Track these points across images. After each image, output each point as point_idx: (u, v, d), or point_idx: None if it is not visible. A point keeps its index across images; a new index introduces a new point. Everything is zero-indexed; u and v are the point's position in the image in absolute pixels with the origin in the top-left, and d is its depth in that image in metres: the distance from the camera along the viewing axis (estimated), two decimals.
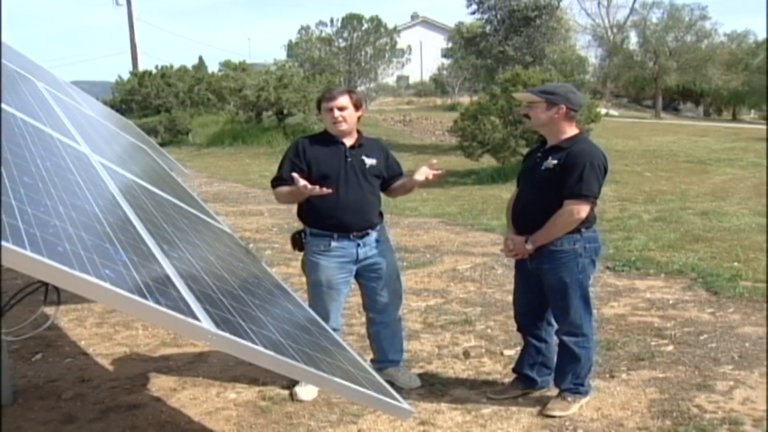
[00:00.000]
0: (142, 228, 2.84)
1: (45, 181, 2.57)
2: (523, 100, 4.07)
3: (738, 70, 41.19)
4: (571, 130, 3.78)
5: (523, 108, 3.97)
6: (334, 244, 4.02)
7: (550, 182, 3.69)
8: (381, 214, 4.21)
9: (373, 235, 4.10)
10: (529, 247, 3.74)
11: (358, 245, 4.05)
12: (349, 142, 4.08)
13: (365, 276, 4.16)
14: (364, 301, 4.31)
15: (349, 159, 4.03)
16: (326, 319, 4.00)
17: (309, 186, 3.77)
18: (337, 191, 3.94)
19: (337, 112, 4.00)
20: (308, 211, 4.08)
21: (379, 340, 4.33)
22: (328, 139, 4.11)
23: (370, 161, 4.09)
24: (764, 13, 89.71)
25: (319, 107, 4.14)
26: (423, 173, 3.98)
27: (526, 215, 3.81)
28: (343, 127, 4.03)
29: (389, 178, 4.23)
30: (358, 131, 4.16)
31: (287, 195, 4.04)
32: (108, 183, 3.46)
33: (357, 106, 4.09)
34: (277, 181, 4.09)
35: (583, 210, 3.63)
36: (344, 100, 4.03)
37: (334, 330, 4.03)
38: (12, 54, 7.07)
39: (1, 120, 2.98)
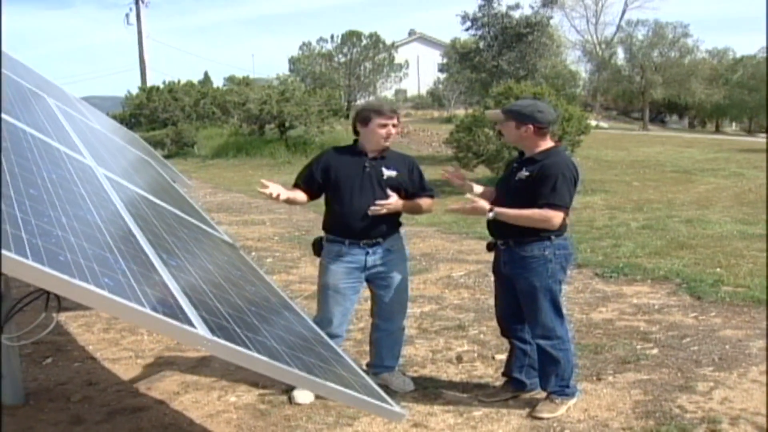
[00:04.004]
0: (143, 238, 2.93)
1: (50, 192, 2.66)
2: (493, 119, 4.22)
3: (719, 84, 42.70)
4: (544, 144, 3.91)
5: (498, 125, 4.11)
6: (345, 250, 4.16)
7: (522, 192, 3.82)
8: (398, 225, 4.31)
9: (385, 244, 4.20)
10: (491, 215, 3.80)
11: (367, 253, 4.17)
12: (372, 153, 4.21)
13: (375, 283, 4.28)
14: (372, 306, 4.42)
15: (367, 169, 4.16)
16: (330, 322, 4.16)
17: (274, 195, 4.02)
18: (351, 199, 4.11)
19: (392, 129, 4.17)
20: (326, 218, 4.26)
21: (379, 346, 4.43)
22: (353, 151, 4.26)
23: (388, 173, 4.19)
24: (742, 33, 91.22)
25: (363, 120, 4.20)
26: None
27: (500, 221, 3.89)
28: (389, 143, 4.21)
29: (412, 193, 4.31)
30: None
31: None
32: (111, 194, 3.56)
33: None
34: (295, 182, 4.30)
35: (556, 217, 3.75)
36: (396, 120, 4.21)
37: (336, 337, 4.15)
38: (26, 72, 7.26)
39: (1, 126, 3.09)
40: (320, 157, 4.31)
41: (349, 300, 4.24)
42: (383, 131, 4.14)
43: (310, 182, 4.25)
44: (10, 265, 1.74)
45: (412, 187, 4.30)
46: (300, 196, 4.24)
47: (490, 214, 3.81)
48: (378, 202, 4.09)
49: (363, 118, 4.20)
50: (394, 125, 4.17)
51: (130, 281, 2.17)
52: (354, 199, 4.12)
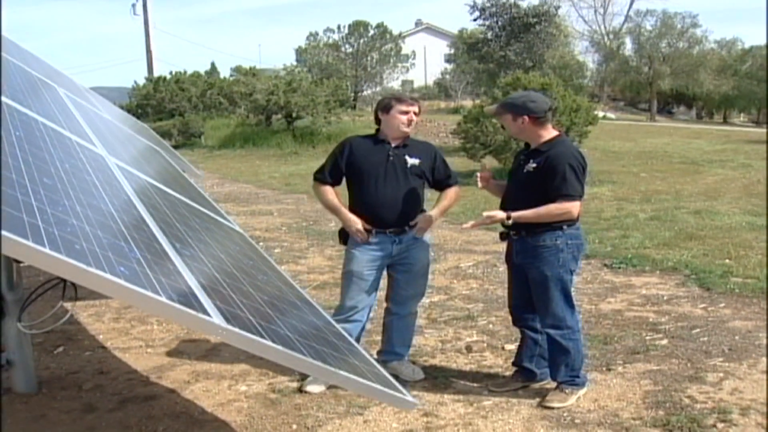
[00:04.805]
0: (156, 227, 2.94)
1: (63, 181, 2.67)
2: (490, 114, 4.24)
3: (727, 75, 42.41)
4: (547, 134, 3.92)
5: (498, 120, 4.12)
6: (371, 239, 4.19)
7: (530, 184, 3.85)
8: (423, 212, 4.33)
9: (411, 232, 4.24)
10: (509, 222, 3.83)
11: (394, 241, 4.20)
12: (395, 142, 4.23)
13: (395, 268, 4.31)
14: (387, 290, 4.43)
15: (391, 157, 4.19)
16: (353, 308, 4.20)
17: (360, 234, 4.15)
18: (375, 188, 4.14)
19: (413, 117, 4.19)
20: (353, 207, 4.28)
21: (390, 330, 4.45)
22: (375, 139, 4.28)
23: (412, 161, 4.21)
24: (751, 23, 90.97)
25: (384, 108, 4.24)
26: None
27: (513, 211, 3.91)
28: (409, 129, 4.22)
29: (436, 181, 4.36)
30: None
31: (330, 208, 4.32)
32: (123, 184, 3.57)
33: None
34: (320, 174, 4.31)
35: (573, 208, 3.78)
36: (417, 108, 4.24)
37: (357, 322, 4.22)
38: (36, 62, 7.27)
39: (1, 114, 3.09)
40: (343, 146, 4.30)
41: (373, 287, 4.27)
42: (404, 117, 4.17)
43: (336, 173, 4.28)
44: (29, 254, 1.75)
45: (437, 174, 4.33)
46: (336, 194, 4.34)
47: (509, 222, 3.83)
48: (415, 232, 4.22)
49: (384, 105, 4.24)
50: (415, 113, 4.20)
51: (145, 270, 2.17)
52: (379, 188, 4.15)
